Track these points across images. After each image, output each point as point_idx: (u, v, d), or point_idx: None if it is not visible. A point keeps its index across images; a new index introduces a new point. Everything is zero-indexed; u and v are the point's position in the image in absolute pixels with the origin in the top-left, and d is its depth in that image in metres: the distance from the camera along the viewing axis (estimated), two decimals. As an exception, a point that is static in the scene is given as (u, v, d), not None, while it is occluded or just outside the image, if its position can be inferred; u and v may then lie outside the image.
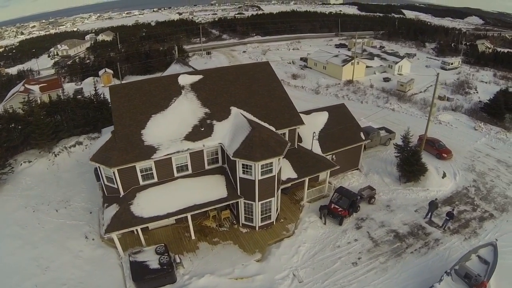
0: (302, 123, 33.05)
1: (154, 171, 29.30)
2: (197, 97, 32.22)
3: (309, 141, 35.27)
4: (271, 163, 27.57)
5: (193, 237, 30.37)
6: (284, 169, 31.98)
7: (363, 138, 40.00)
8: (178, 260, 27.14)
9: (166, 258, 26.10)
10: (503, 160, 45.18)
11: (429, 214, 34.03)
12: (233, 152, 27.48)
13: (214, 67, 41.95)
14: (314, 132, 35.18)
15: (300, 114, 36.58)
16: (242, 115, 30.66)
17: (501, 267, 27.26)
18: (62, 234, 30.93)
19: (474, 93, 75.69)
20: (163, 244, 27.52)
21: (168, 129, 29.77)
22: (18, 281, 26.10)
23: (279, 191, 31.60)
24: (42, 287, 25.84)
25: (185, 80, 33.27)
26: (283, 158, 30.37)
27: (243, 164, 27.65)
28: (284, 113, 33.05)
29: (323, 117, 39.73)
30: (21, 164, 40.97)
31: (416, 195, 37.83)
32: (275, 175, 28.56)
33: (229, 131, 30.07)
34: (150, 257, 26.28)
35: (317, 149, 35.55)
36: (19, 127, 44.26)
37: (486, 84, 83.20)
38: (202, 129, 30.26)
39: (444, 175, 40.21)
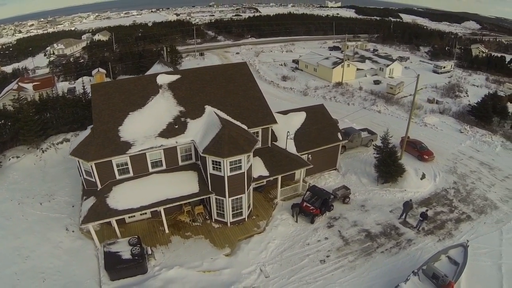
0: (275, 122, 34.09)
1: (129, 166, 30.49)
2: (173, 96, 33.39)
3: (284, 140, 36.21)
4: (240, 160, 28.62)
5: (166, 231, 31.40)
6: (257, 167, 33.04)
7: (340, 138, 40.47)
8: (149, 252, 28.17)
9: (138, 249, 27.02)
10: (486, 163, 45.65)
11: (404, 214, 34.32)
12: (203, 148, 28.66)
13: (192, 68, 43.04)
14: (288, 132, 35.95)
15: (277, 114, 37.87)
16: (215, 114, 31.73)
17: (474, 269, 28.07)
18: (44, 225, 31.97)
19: (465, 96, 76.41)
20: (136, 236, 28.50)
21: (144, 126, 30.97)
22: (-1, 268, 27.23)
23: (250, 188, 32.54)
24: (21, 274, 26.91)
25: (163, 79, 34.43)
26: (254, 156, 31.85)
27: (213, 161, 28.69)
28: (258, 113, 34.12)
29: (300, 117, 40.46)
30: (10, 159, 42.00)
31: (393, 195, 38.27)
32: (244, 172, 29.60)
33: (202, 128, 31.16)
34: (123, 248, 27.22)
35: (291, 149, 36.40)
36: (9, 123, 45.55)
37: (477, 88, 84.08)
38: (176, 126, 31.40)
39: (423, 177, 40.63)
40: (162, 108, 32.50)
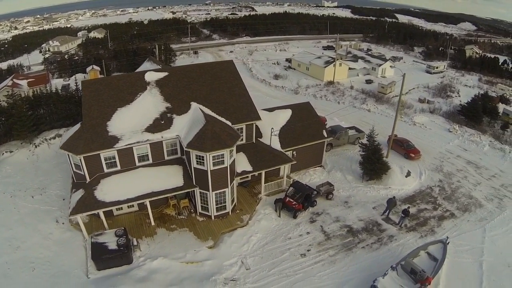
0: (258, 118, 35.15)
1: (117, 160, 31.57)
2: (160, 93, 34.41)
3: (269, 137, 37.18)
4: (222, 154, 29.68)
5: (152, 223, 32.46)
6: (240, 162, 34.06)
7: (325, 135, 41.26)
8: (135, 243, 29.25)
9: (124, 240, 28.02)
10: (473, 162, 46.25)
11: (387, 211, 35.01)
12: (187, 143, 29.71)
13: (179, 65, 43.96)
14: (272, 128, 36.94)
15: (263, 112, 38.93)
16: (200, 110, 32.74)
17: (455, 265, 28.87)
18: (35, 218, 32.91)
19: (456, 96, 77.35)
20: (122, 228, 29.55)
21: (131, 121, 32.04)
22: (-10, 257, 28.19)
23: (234, 182, 33.55)
24: (11, 264, 27.87)
25: (151, 76, 35.43)
26: (239, 151, 33.10)
27: (196, 155, 29.73)
28: (242, 109, 35.13)
29: (286, 114, 41.33)
30: (3, 153, 42.88)
31: (377, 192, 38.93)
32: (227, 167, 30.65)
33: (187, 124, 32.20)
34: (110, 239, 28.22)
35: (276, 145, 37.42)
36: (3, 119, 46.58)
37: (469, 88, 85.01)
38: (162, 122, 32.47)
39: (408, 174, 41.12)
40: (149, 104, 33.53)
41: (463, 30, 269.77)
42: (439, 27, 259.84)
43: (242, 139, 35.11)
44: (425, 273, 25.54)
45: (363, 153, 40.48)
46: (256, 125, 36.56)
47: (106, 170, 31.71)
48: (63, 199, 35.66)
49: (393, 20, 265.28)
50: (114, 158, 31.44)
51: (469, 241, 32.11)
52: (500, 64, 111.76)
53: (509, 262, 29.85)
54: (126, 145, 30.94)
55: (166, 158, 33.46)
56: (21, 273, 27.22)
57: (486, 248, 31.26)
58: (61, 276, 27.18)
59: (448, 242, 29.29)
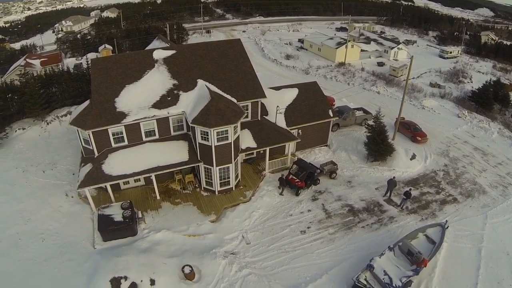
0: (263, 96, 35.41)
1: (124, 135, 32.28)
2: (168, 70, 34.79)
3: (274, 115, 37.50)
4: (227, 130, 30.21)
5: (158, 197, 33.31)
6: (245, 138, 34.57)
7: (331, 115, 41.32)
8: (140, 216, 30.15)
9: (129, 212, 28.86)
10: (480, 148, 45.77)
11: (389, 192, 35.15)
12: (192, 119, 30.29)
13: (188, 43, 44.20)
14: (278, 106, 37.25)
15: (269, 90, 39.22)
16: (206, 87, 33.08)
17: (453, 250, 28.99)
18: (45, 191, 33.88)
19: (468, 82, 76.27)
20: (128, 201, 30.40)
21: (139, 97, 32.61)
22: (2, 228, 29.29)
23: (238, 158, 34.11)
24: (22, 234, 28.97)
25: (159, 54, 35.74)
26: (244, 128, 33.81)
27: (201, 131, 30.31)
28: (248, 87, 35.43)
29: (292, 93, 41.45)
30: (16, 131, 43.78)
31: (381, 174, 38.90)
32: (231, 142, 31.16)
33: (193, 101, 32.67)
34: (116, 211, 29.08)
35: (281, 123, 37.79)
36: (15, 97, 47.64)
37: (483, 75, 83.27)
38: (169, 98, 32.97)
39: (413, 157, 40.96)
40: (156, 81, 33.98)
41: (480, 16, 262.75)
42: (456, 12, 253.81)
43: (247, 116, 35.59)
44: (422, 255, 25.79)
45: (368, 134, 40.54)
46: (262, 103, 36.87)
47: (114, 145, 32.47)
48: (73, 174, 36.55)
49: (409, 3, 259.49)
50: (121, 133, 32.14)
51: (470, 226, 32.09)
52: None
53: (508, 250, 29.88)
54: (133, 120, 31.61)
55: (172, 133, 34.09)
56: (31, 243, 28.27)
57: (486, 234, 31.19)
58: (69, 246, 28.20)
59: (448, 226, 29.48)
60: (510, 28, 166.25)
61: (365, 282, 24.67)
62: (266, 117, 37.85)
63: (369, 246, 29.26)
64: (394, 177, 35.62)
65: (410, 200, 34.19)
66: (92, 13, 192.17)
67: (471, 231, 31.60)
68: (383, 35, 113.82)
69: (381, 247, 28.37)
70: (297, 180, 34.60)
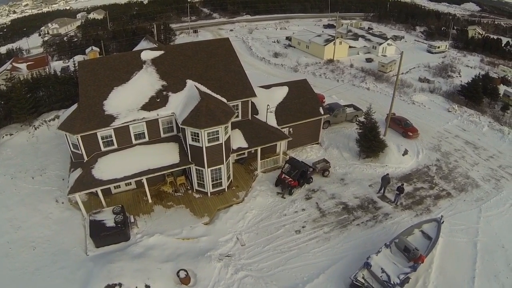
0: (254, 95, 35.14)
1: (114, 138, 31.77)
2: (156, 71, 34.33)
3: (265, 114, 37.32)
4: (217, 131, 29.88)
5: (149, 200, 32.88)
6: (236, 138, 34.27)
7: (322, 113, 41.18)
8: (132, 220, 29.71)
9: (121, 217, 28.38)
10: (472, 142, 45.93)
11: (382, 189, 35.09)
12: (182, 120, 29.93)
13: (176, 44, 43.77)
14: (268, 105, 36.99)
15: (259, 89, 38.97)
16: (196, 87, 32.73)
17: (449, 245, 29.04)
18: (35, 198, 33.32)
19: (457, 76, 76.69)
20: (120, 206, 29.96)
21: (127, 100, 32.11)
22: (-8, 237, 28.76)
23: (230, 159, 33.83)
24: (13, 243, 28.46)
25: (147, 55, 35.26)
26: (234, 128, 33.37)
27: (191, 132, 29.94)
28: (238, 86, 35.13)
29: (282, 91, 41.20)
30: (3, 136, 43.08)
31: (373, 170, 38.92)
32: (222, 143, 30.84)
33: (182, 102, 32.26)
34: (107, 217, 28.59)
35: (272, 122, 37.56)
36: (2, 102, 46.80)
37: (471, 69, 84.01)
38: (158, 100, 32.53)
39: (405, 153, 41.06)
40: (145, 82, 33.52)
41: (466, 10, 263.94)
42: (442, 7, 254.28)
43: (237, 116, 35.24)
44: (418, 251, 25.79)
45: (360, 131, 40.48)
46: (252, 102, 36.56)
47: (103, 149, 31.94)
48: (63, 179, 35.96)
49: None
50: (110, 136, 31.62)
51: (465, 220, 32.18)
52: (503, 45, 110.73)
53: (503, 243, 29.96)
54: (122, 123, 31.11)
55: (162, 135, 33.65)
56: (22, 252, 27.75)
57: (481, 228, 31.33)
58: (60, 254, 27.72)
59: (443, 222, 29.41)
60: (496, 23, 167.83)
61: (363, 281, 24.55)
62: (256, 116, 37.56)
63: (365, 243, 29.21)
64: (387, 174, 35.50)
65: (403, 195, 34.11)
66: (79, 15, 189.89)
67: (466, 225, 31.71)
68: (370, 31, 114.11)
69: (377, 244, 28.35)
70: (290, 179, 34.34)
